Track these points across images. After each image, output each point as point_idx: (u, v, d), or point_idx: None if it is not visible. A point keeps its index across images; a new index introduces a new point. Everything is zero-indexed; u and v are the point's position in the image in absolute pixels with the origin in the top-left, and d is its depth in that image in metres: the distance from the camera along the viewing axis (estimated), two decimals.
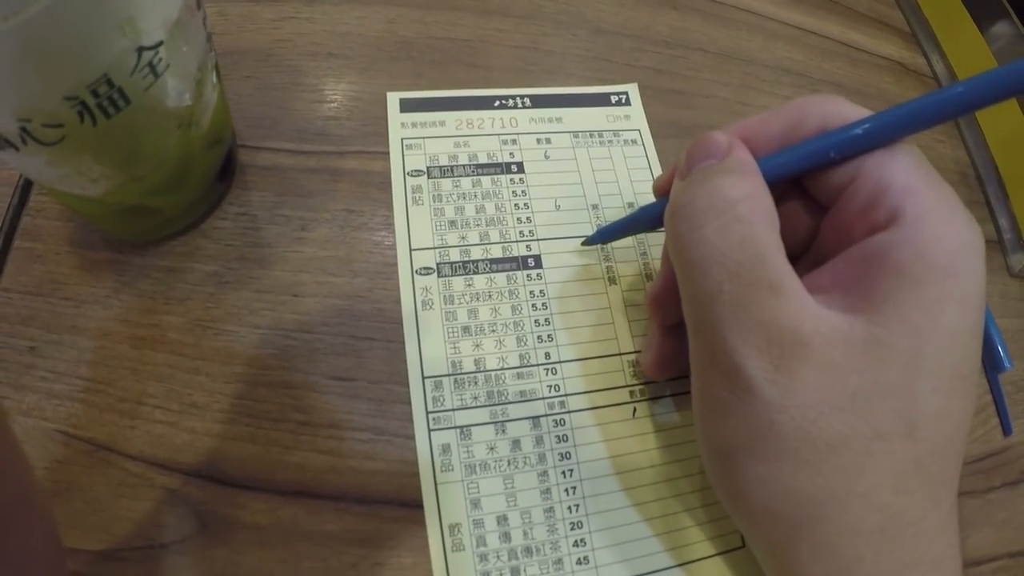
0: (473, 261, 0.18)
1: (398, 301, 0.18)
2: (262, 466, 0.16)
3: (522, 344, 0.18)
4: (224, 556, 0.15)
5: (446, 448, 0.16)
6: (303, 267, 0.18)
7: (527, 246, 0.19)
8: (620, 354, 0.18)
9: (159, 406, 0.16)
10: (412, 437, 0.17)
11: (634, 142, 0.21)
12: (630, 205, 0.20)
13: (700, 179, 0.14)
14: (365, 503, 0.16)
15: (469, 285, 0.18)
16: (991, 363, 0.22)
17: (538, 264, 0.19)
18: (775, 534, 0.13)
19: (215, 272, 0.18)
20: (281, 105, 0.20)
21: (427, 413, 0.17)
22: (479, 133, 0.20)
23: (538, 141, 0.20)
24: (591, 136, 0.21)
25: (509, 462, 0.16)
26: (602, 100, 0.22)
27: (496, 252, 0.19)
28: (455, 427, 0.16)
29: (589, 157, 0.21)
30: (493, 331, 0.18)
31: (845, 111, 0.14)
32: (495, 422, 0.17)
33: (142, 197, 0.16)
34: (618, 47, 0.23)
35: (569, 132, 0.21)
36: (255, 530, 0.15)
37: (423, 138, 0.20)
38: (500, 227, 0.19)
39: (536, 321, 0.18)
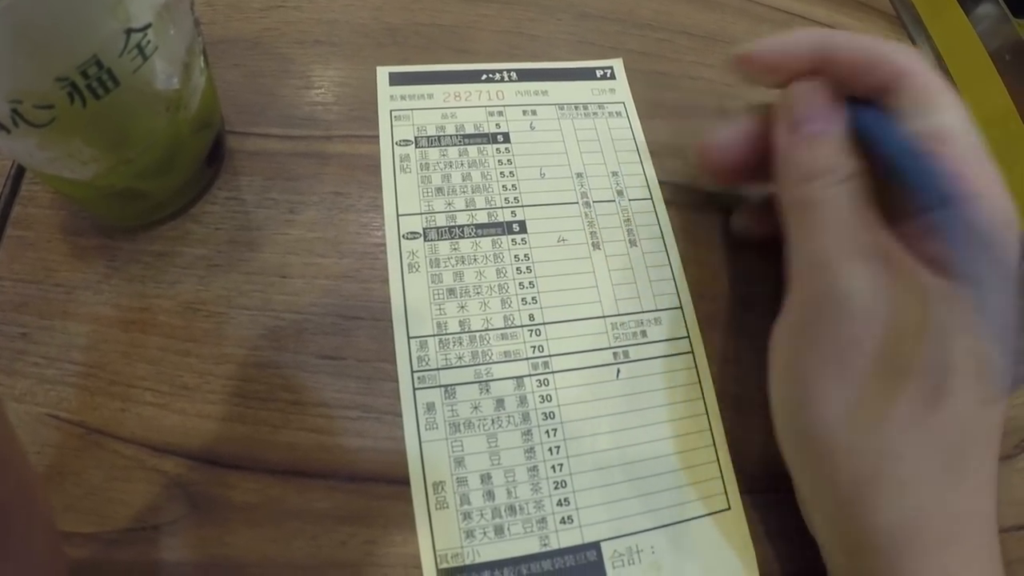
0: (459, 226, 0.19)
1: (386, 280, 0.18)
2: (252, 446, 0.16)
3: (506, 306, 0.18)
4: (215, 536, 0.15)
5: (431, 407, 0.16)
6: (292, 249, 0.18)
7: (512, 212, 0.19)
8: (603, 316, 0.18)
9: (150, 388, 0.16)
10: (400, 414, 0.17)
11: (618, 114, 0.21)
12: (614, 174, 0.20)
13: (814, 145, 0.15)
14: (355, 481, 0.16)
15: (455, 249, 0.18)
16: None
17: (523, 229, 0.19)
18: (852, 473, 0.13)
19: (204, 255, 0.18)
20: (269, 92, 0.20)
21: (412, 372, 0.17)
22: (466, 105, 0.21)
23: (524, 113, 0.21)
24: (576, 108, 0.21)
25: (493, 421, 0.16)
26: (587, 74, 0.22)
27: (482, 217, 0.19)
28: (440, 386, 0.17)
29: (574, 128, 0.21)
30: (478, 293, 0.18)
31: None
32: (479, 381, 0.17)
33: (131, 180, 0.16)
34: (603, 31, 0.24)
35: (555, 104, 0.21)
36: (245, 510, 0.16)
37: (411, 110, 0.20)
38: (486, 194, 0.19)
39: (520, 284, 0.18)
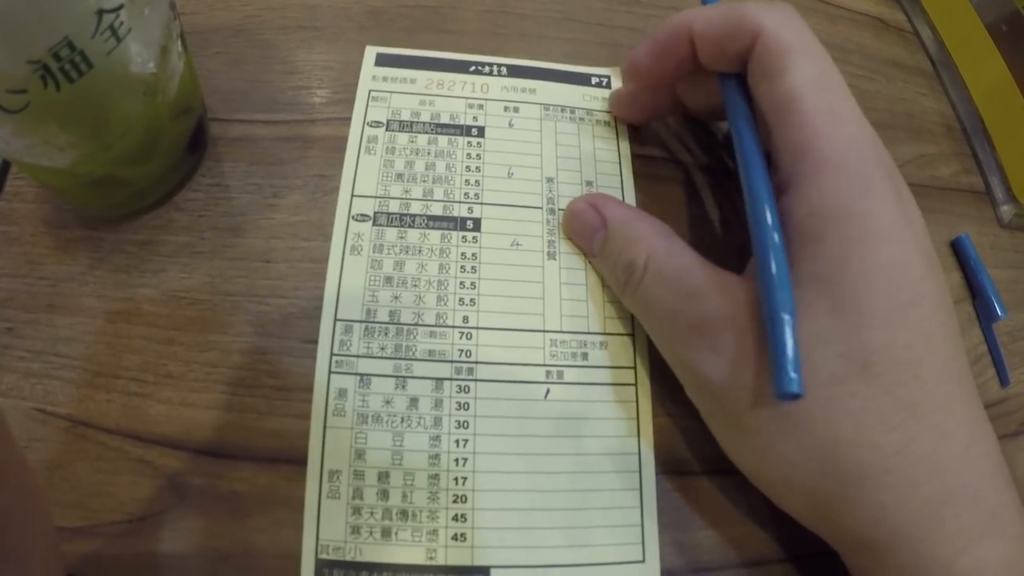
0: (411, 215, 0.18)
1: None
2: (238, 434, 0.16)
3: (442, 303, 0.17)
4: (202, 527, 0.15)
5: (342, 393, 0.16)
6: (275, 233, 0.18)
7: (469, 208, 0.18)
8: (543, 331, 0.17)
9: (135, 378, 0.16)
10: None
11: (607, 124, 0.20)
12: (588, 183, 0.19)
13: (607, 258, 0.17)
14: None
15: (401, 237, 0.18)
16: (985, 313, 0.21)
17: (476, 227, 0.18)
18: (803, 505, 0.14)
19: (188, 243, 0.18)
20: (252, 78, 0.20)
21: (331, 355, 0.16)
22: (448, 95, 0.20)
23: (505, 109, 0.20)
24: (562, 111, 0.20)
25: (403, 419, 0.16)
26: (582, 79, 0.21)
27: (436, 209, 0.18)
28: (356, 374, 0.16)
29: (555, 131, 0.20)
30: (415, 286, 0.17)
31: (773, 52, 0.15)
32: (397, 376, 0.16)
33: (111, 167, 0.16)
34: (590, 8, 0.23)
35: (540, 104, 0.20)
36: (233, 499, 0.15)
37: (390, 92, 0.20)
38: (446, 186, 0.18)
39: (461, 283, 0.17)
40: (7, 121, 0.14)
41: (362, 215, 0.18)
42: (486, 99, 0.20)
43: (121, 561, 0.15)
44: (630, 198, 0.19)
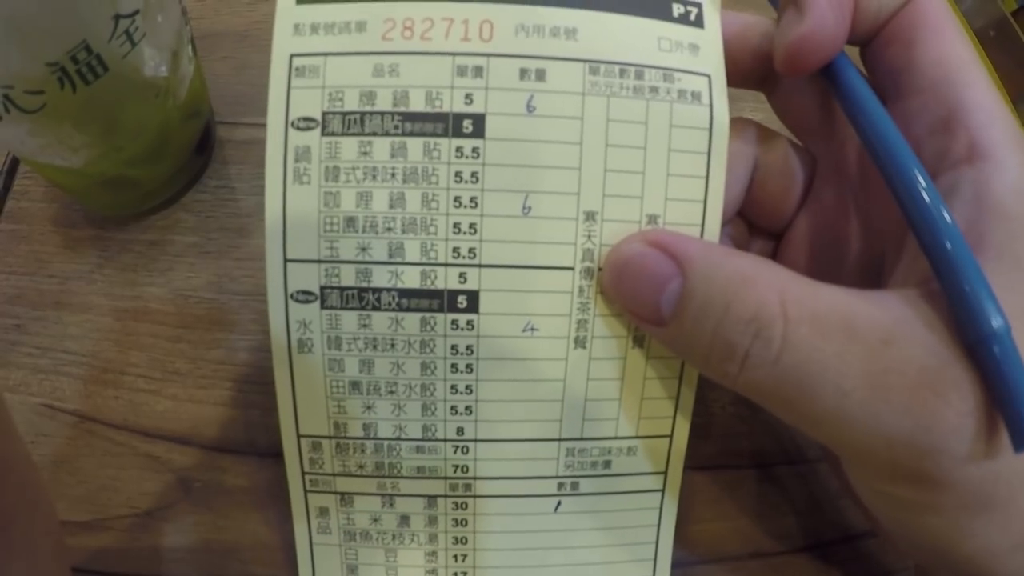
0: (375, 289, 0.12)
1: None
2: (243, 429, 0.16)
3: (428, 413, 0.13)
4: (208, 521, 0.15)
5: (324, 511, 0.14)
6: None
7: (461, 275, 0.12)
8: (559, 439, 0.13)
9: (142, 375, 0.17)
10: None
11: (695, 98, 0.12)
12: (652, 219, 0.12)
13: (694, 320, 0.11)
14: None
15: (365, 326, 0.12)
16: None
17: (473, 306, 0.12)
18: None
19: (196, 243, 0.18)
20: (258, 83, 0.20)
21: (303, 474, 0.13)
22: (420, 51, 0.11)
23: (522, 75, 0.11)
24: (623, 75, 0.12)
25: (394, 536, 0.14)
26: (659, 7, 0.12)
27: (411, 279, 0.12)
28: (335, 492, 0.13)
29: (607, 116, 0.12)
30: (391, 393, 0.12)
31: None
32: (382, 494, 0.13)
33: (122, 168, 0.16)
34: None
35: (584, 61, 0.12)
36: (238, 493, 0.16)
37: (326, 55, 0.11)
38: (424, 236, 0.12)
39: (454, 387, 0.13)
40: (23, 121, 0.14)
41: (304, 293, 0.12)
42: (488, 55, 0.11)
43: (127, 555, 0.15)
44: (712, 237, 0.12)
